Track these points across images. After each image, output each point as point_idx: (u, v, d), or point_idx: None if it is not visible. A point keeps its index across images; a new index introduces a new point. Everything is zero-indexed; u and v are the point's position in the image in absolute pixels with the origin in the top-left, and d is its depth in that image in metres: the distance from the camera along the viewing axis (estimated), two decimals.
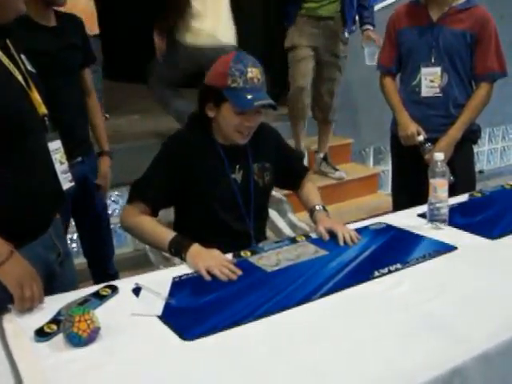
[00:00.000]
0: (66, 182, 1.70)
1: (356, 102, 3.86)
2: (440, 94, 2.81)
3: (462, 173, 2.86)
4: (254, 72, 1.89)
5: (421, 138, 2.80)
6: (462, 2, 2.75)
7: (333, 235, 1.99)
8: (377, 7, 4.74)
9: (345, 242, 1.94)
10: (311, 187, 2.26)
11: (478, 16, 2.74)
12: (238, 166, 2.04)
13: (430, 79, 2.81)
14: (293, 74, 4.05)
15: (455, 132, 2.81)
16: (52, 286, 1.64)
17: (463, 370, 1.28)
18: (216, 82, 1.91)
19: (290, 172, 2.24)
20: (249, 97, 1.87)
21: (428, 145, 2.77)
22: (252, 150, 2.07)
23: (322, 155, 4.36)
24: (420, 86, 2.85)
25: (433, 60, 2.79)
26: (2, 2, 1.48)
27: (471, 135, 2.91)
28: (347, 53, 4.08)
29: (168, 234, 1.87)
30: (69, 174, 1.71)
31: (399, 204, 2.88)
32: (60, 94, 2.32)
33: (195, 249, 1.80)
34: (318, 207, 2.11)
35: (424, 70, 2.81)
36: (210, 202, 1.99)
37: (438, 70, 2.79)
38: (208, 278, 1.70)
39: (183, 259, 1.81)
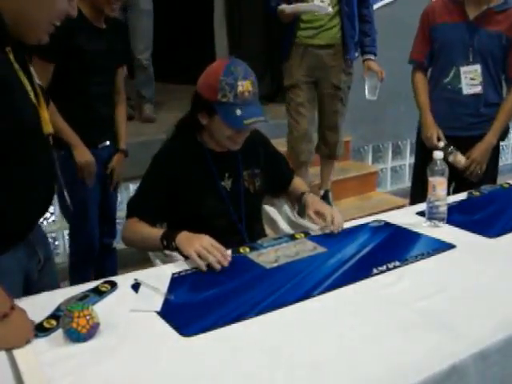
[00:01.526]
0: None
1: (355, 100, 3.84)
2: (482, 92, 2.82)
3: (489, 168, 2.90)
4: (245, 85, 1.88)
5: (441, 143, 2.82)
6: (500, 3, 2.75)
7: (330, 234, 2.01)
8: (378, 5, 4.74)
9: (344, 238, 1.95)
10: (298, 181, 2.30)
11: None
12: (227, 174, 2.04)
13: (471, 77, 2.81)
14: (292, 119, 3.72)
15: (492, 137, 2.85)
16: (29, 294, 1.61)
17: (461, 367, 1.29)
18: (206, 94, 1.91)
19: (279, 177, 2.25)
20: (239, 113, 1.87)
21: (451, 148, 2.79)
22: (242, 156, 2.07)
23: (322, 192, 4.00)
24: (452, 84, 2.85)
25: (471, 58, 2.79)
26: (32, 26, 1.43)
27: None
28: (350, 83, 3.72)
29: (159, 231, 1.91)
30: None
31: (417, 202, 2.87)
32: (97, 87, 2.66)
33: (184, 234, 1.81)
34: (306, 193, 2.14)
35: (463, 69, 2.81)
36: (201, 211, 2.00)
37: (477, 67, 2.79)
38: (199, 262, 1.72)
39: (174, 248, 1.82)
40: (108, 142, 2.83)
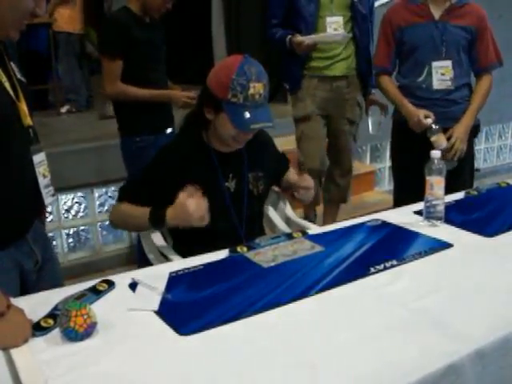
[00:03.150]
0: (49, 197, 1.68)
1: None
2: (452, 87, 2.88)
3: (464, 164, 2.93)
4: (257, 87, 1.86)
5: (429, 120, 2.84)
6: None
7: (331, 232, 2.01)
8: (375, 4, 4.73)
9: (341, 237, 1.95)
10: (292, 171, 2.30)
11: (475, 12, 2.86)
12: (231, 175, 2.04)
13: (441, 72, 2.87)
14: (304, 154, 3.41)
15: (468, 119, 2.91)
16: (27, 294, 1.62)
17: (458, 366, 1.29)
18: (216, 91, 1.89)
19: (280, 174, 2.26)
20: (247, 116, 1.86)
21: (435, 127, 2.82)
22: (248, 158, 2.07)
23: None
24: (426, 82, 2.90)
25: (443, 54, 2.85)
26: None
27: (472, 129, 2.97)
28: (362, 116, 3.53)
29: (145, 213, 1.91)
30: (51, 188, 1.69)
31: (400, 201, 2.88)
32: (154, 74, 2.99)
33: (171, 211, 1.85)
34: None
35: (435, 64, 2.87)
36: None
37: (448, 63, 2.86)
38: (205, 222, 1.81)
39: (166, 226, 1.89)
40: (170, 129, 3.10)
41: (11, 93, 1.54)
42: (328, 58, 3.29)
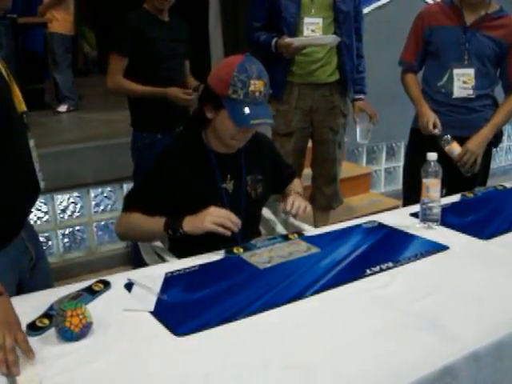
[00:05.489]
0: (41, 181, 1.68)
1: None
2: (473, 96, 2.84)
3: (481, 172, 2.92)
4: (258, 85, 1.87)
5: (436, 131, 2.81)
6: (496, 10, 2.81)
7: (327, 233, 2.01)
8: (372, 6, 4.75)
9: (337, 239, 1.95)
10: (296, 182, 2.31)
11: (511, 25, 2.79)
12: (229, 176, 2.04)
13: (463, 80, 2.83)
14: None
15: (488, 132, 2.86)
16: (21, 293, 1.61)
17: (453, 369, 1.29)
18: (217, 87, 1.89)
19: (281, 180, 2.26)
20: (247, 112, 1.85)
21: (446, 137, 2.79)
22: (246, 160, 2.06)
23: None
24: (446, 87, 2.86)
25: (466, 61, 2.81)
26: None
27: (493, 139, 2.94)
28: (346, 124, 3.37)
29: (159, 221, 1.90)
30: (41, 174, 1.69)
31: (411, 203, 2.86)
32: (165, 72, 3.04)
33: (188, 219, 1.86)
34: (293, 192, 2.15)
35: (457, 71, 2.83)
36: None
37: (471, 71, 2.82)
38: (221, 230, 1.81)
39: (182, 234, 1.86)
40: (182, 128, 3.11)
41: (6, 76, 1.55)
42: (311, 63, 3.12)
